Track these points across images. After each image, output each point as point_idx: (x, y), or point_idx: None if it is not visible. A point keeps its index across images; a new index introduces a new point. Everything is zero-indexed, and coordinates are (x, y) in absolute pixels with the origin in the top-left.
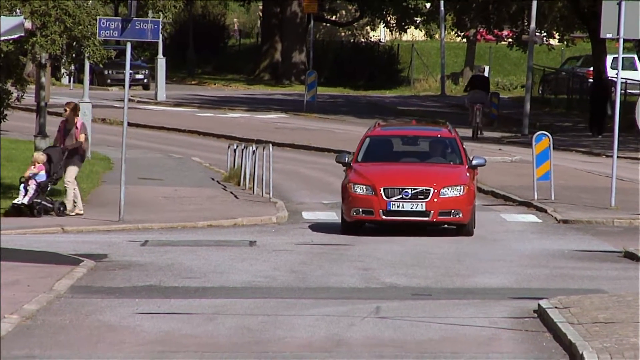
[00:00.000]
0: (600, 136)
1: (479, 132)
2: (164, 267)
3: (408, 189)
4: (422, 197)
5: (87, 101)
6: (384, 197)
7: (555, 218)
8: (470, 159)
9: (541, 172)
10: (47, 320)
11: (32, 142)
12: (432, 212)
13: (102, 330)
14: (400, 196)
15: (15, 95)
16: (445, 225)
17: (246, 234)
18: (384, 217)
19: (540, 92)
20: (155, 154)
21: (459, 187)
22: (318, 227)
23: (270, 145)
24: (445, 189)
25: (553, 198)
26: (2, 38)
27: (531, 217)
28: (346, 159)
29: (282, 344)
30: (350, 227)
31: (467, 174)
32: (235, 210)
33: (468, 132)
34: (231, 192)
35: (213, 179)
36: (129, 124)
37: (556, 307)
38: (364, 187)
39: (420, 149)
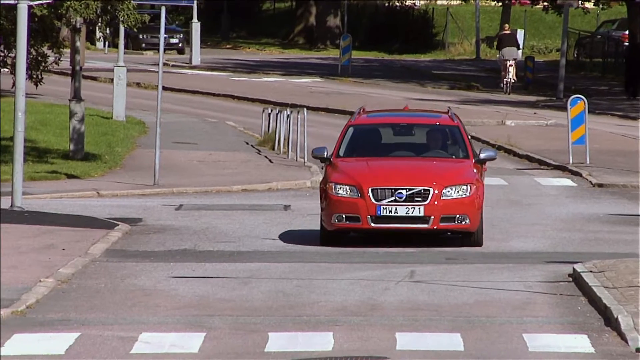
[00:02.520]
0: (633, 97)
1: (509, 90)
2: (199, 231)
3: (402, 189)
4: (419, 199)
5: (122, 65)
6: (373, 200)
7: (590, 182)
8: (478, 151)
9: (576, 135)
10: (83, 284)
11: (67, 106)
12: (433, 217)
13: (137, 294)
14: (393, 198)
15: (51, 59)
16: (449, 234)
17: (280, 198)
18: (372, 224)
19: (575, 55)
20: (190, 118)
21: (464, 187)
22: None
23: (305, 109)
24: (448, 189)
25: (588, 162)
26: (36, 2)
27: (566, 181)
28: (325, 153)
29: (317, 308)
30: (331, 237)
31: (474, 170)
32: (270, 175)
33: (503, 96)
34: (265, 156)
35: (247, 143)
36: (164, 88)
37: (591, 271)
38: (348, 187)
39: (416, 140)
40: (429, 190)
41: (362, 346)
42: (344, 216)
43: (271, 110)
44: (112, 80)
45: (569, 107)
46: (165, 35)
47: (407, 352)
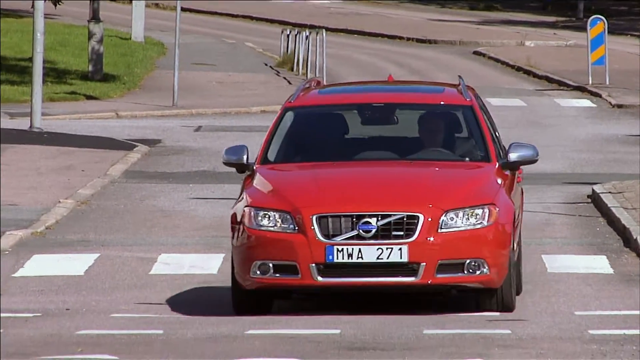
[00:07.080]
0: None
1: None
2: (218, 152)
3: (370, 216)
4: (400, 232)
5: None
6: (320, 237)
7: (609, 102)
8: (506, 148)
9: (596, 56)
10: (102, 205)
11: (86, 27)
12: (424, 264)
13: (156, 215)
14: (355, 232)
15: None
16: (454, 292)
17: None
18: (319, 278)
19: None
20: (209, 39)
21: (479, 211)
22: None
23: (324, 30)
24: (452, 214)
25: (607, 82)
26: None
27: (585, 102)
28: (244, 156)
29: None
30: (249, 300)
31: (498, 180)
32: (289, 96)
33: (523, 17)
34: (284, 78)
35: (266, 64)
36: (183, 9)
37: (610, 192)
38: (277, 215)
39: (400, 132)
40: (416, 217)
41: None
42: (270, 265)
43: (290, 32)
44: (131, 0)
45: (588, 27)
46: None
47: None
